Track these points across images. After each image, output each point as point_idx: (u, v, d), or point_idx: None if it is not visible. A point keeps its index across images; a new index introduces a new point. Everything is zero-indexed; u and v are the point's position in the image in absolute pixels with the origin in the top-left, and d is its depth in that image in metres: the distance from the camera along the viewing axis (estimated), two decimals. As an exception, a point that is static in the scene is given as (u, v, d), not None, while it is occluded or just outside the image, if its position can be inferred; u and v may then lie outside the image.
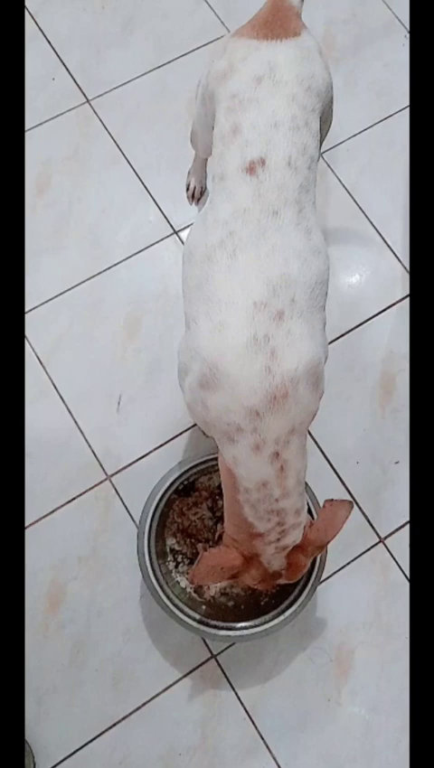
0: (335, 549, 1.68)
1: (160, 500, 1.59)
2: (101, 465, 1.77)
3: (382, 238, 2.03)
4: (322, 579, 1.62)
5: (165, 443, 1.80)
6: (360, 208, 2.05)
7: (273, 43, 1.30)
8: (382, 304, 1.97)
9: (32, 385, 1.82)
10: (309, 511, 1.57)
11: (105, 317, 1.91)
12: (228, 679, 1.64)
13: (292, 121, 1.24)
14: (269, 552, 1.26)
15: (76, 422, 1.80)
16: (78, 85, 2.12)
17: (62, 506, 1.74)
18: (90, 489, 1.75)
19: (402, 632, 1.69)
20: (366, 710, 1.64)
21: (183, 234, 1.98)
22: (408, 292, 1.98)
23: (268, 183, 1.21)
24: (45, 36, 2.16)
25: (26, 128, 2.05)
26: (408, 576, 1.73)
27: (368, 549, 1.75)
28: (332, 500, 1.32)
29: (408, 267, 2.00)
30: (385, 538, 1.76)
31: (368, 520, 1.77)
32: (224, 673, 1.64)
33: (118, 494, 1.75)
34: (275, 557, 1.28)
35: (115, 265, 1.95)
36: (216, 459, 1.56)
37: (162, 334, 1.89)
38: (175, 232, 1.99)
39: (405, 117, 2.15)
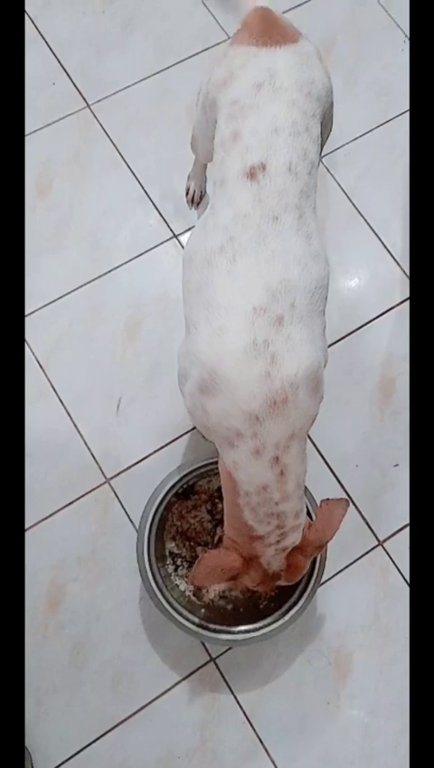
0: (334, 552, 1.68)
1: (159, 503, 1.60)
2: (100, 468, 1.77)
3: (382, 242, 2.03)
4: (321, 582, 1.63)
5: (165, 446, 1.80)
6: (359, 212, 2.06)
7: (272, 50, 1.31)
8: (382, 307, 1.97)
9: (31, 387, 1.83)
10: (308, 514, 1.57)
11: (105, 320, 1.91)
12: (227, 683, 1.64)
13: (292, 126, 1.25)
14: (269, 554, 1.27)
15: (75, 424, 1.81)
16: (78, 89, 2.12)
17: (62, 508, 1.74)
18: (90, 492, 1.75)
19: (401, 635, 1.70)
20: (365, 713, 1.64)
21: (183, 238, 1.99)
22: (407, 295, 1.98)
23: (269, 189, 1.21)
24: (45, 40, 2.17)
25: (27, 132, 2.06)
26: (407, 579, 1.74)
27: (367, 552, 1.75)
28: (328, 499, 1.32)
29: (407, 271, 2.01)
30: (384, 541, 1.77)
31: (367, 523, 1.78)
32: (223, 676, 1.64)
33: (118, 497, 1.75)
34: (275, 559, 1.28)
35: (115, 268, 1.96)
36: (215, 462, 1.56)
37: (162, 338, 1.90)
38: (175, 236, 1.99)
39: (404, 120, 2.15)
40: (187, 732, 1.60)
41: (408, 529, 1.78)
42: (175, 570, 1.64)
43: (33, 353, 1.86)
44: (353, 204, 2.07)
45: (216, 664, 1.65)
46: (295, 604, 1.54)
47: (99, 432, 1.81)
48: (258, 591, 1.56)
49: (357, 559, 1.74)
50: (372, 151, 2.12)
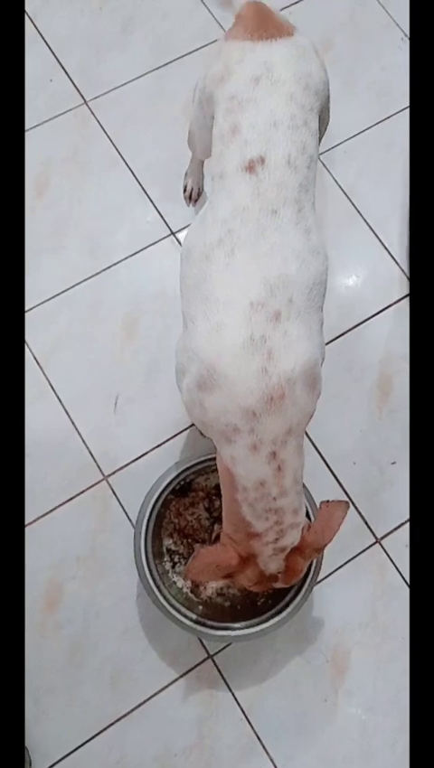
0: (332, 550, 1.66)
1: (157, 500, 1.59)
2: (98, 465, 1.77)
3: (380, 240, 2.03)
4: (318, 580, 1.63)
5: (163, 443, 1.80)
6: (357, 209, 2.06)
7: (268, 44, 1.31)
8: (380, 305, 1.97)
9: (29, 385, 1.82)
10: (307, 515, 1.57)
11: (103, 318, 1.91)
12: (224, 680, 1.64)
13: (291, 120, 1.25)
14: (267, 553, 1.26)
15: (73, 422, 1.80)
16: (75, 86, 2.12)
17: (60, 506, 1.74)
18: (88, 489, 1.75)
19: (399, 632, 1.70)
20: (363, 710, 1.64)
21: (181, 235, 1.99)
22: (405, 293, 1.98)
23: (268, 182, 1.21)
24: (43, 38, 2.16)
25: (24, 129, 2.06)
26: (404, 576, 1.74)
27: (365, 550, 1.75)
28: (328, 501, 1.32)
29: (405, 269, 2.01)
30: (382, 538, 1.76)
31: (365, 521, 1.78)
32: (221, 673, 1.64)
33: (115, 495, 1.75)
34: (272, 560, 1.27)
35: (113, 265, 1.95)
36: (213, 459, 1.56)
37: (160, 335, 1.90)
38: (173, 233, 1.99)
39: (402, 118, 2.15)
40: (185, 729, 1.60)
41: (405, 526, 1.78)
42: (173, 567, 1.64)
43: (31, 351, 1.86)
44: (352, 202, 2.07)
45: (214, 661, 1.65)
46: (292, 600, 1.54)
47: (97, 429, 1.81)
48: (253, 590, 1.56)
49: (355, 557, 1.74)
50: (371, 148, 2.12)
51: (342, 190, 2.08)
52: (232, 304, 1.17)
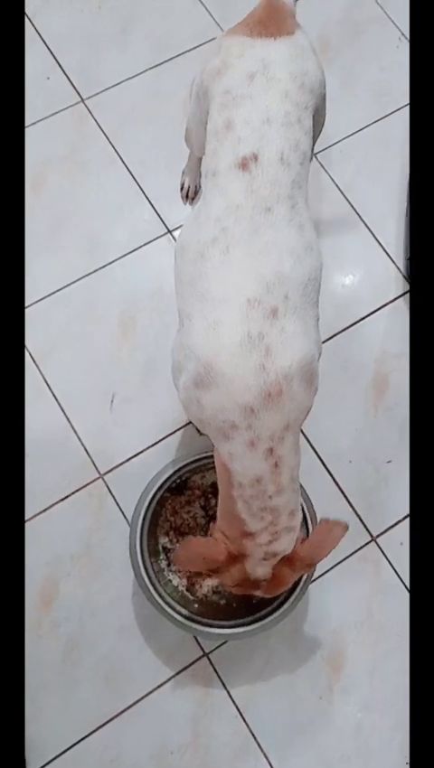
0: (328, 548, 1.68)
1: (152, 498, 1.59)
2: (94, 464, 1.77)
3: (376, 239, 2.03)
4: (314, 578, 1.63)
5: (159, 441, 1.80)
6: (354, 208, 2.06)
7: (267, 41, 1.31)
8: (376, 303, 1.97)
9: (25, 383, 1.82)
10: (304, 517, 1.57)
11: (100, 316, 1.91)
12: (220, 678, 1.64)
13: (285, 117, 1.25)
14: (257, 556, 1.25)
15: (69, 420, 1.80)
16: (72, 84, 2.12)
17: (56, 504, 1.74)
18: (84, 487, 1.75)
19: (394, 630, 1.70)
20: (358, 709, 1.64)
21: (178, 233, 1.99)
22: (401, 292, 1.99)
23: (261, 179, 1.21)
24: (41, 37, 2.16)
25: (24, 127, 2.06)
26: (400, 574, 1.74)
27: (360, 548, 1.75)
28: (328, 519, 1.31)
29: (401, 268, 2.01)
30: (377, 536, 1.77)
31: (360, 519, 1.78)
32: (216, 671, 1.64)
33: (111, 493, 1.75)
34: (261, 564, 1.26)
35: (110, 263, 1.95)
36: (209, 457, 1.56)
37: (157, 333, 1.90)
38: (170, 231, 1.99)
39: (400, 117, 2.16)
40: (180, 727, 1.60)
41: (401, 524, 1.78)
42: (168, 565, 1.64)
43: (27, 349, 1.86)
44: (348, 201, 2.07)
45: (209, 659, 1.65)
46: (287, 598, 1.54)
47: (93, 427, 1.81)
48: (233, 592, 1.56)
49: (350, 555, 1.75)
50: (368, 147, 2.13)
51: (339, 189, 2.08)
52: (229, 301, 1.17)
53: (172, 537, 1.65)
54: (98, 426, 1.81)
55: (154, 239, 1.98)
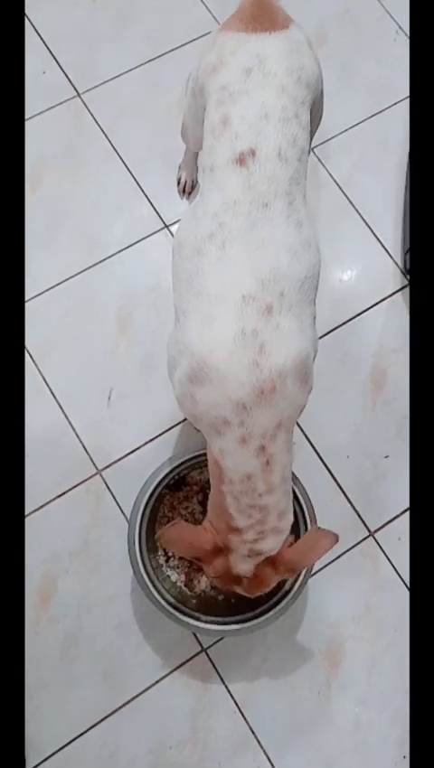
0: (326, 543, 1.68)
1: (151, 494, 1.59)
2: (92, 460, 1.77)
3: (374, 234, 2.03)
4: (312, 573, 1.63)
5: (156, 437, 1.80)
6: (351, 203, 2.06)
7: (262, 36, 1.30)
8: (374, 298, 1.97)
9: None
10: (302, 512, 1.57)
11: (97, 312, 1.90)
12: (218, 673, 1.64)
13: (282, 112, 1.24)
14: (241, 552, 1.25)
15: (67, 416, 1.80)
16: (68, 78, 2.11)
17: (53, 500, 1.74)
18: (81, 483, 1.75)
19: (392, 625, 1.70)
20: (356, 704, 1.64)
21: (175, 228, 1.98)
22: (399, 286, 1.98)
23: (259, 175, 1.21)
24: (37, 31, 2.15)
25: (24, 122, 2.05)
26: (398, 569, 1.74)
27: (358, 543, 1.75)
28: (320, 528, 1.31)
29: (399, 262, 2.00)
30: (375, 531, 1.77)
31: (358, 514, 1.78)
32: (214, 667, 1.64)
33: (109, 489, 1.75)
34: (245, 561, 1.26)
35: (107, 259, 1.95)
36: (206, 454, 1.56)
37: (154, 329, 1.89)
38: (167, 226, 1.99)
39: (397, 111, 2.15)
40: (178, 722, 1.60)
41: (399, 519, 1.78)
42: (167, 562, 1.63)
43: (25, 345, 1.85)
44: (346, 195, 2.06)
45: (207, 655, 1.65)
46: (286, 594, 1.54)
47: (91, 423, 1.80)
48: (214, 584, 1.56)
49: (348, 550, 1.74)
50: (365, 142, 2.12)
51: (336, 183, 2.07)
52: (224, 297, 1.17)
53: (170, 533, 1.65)
54: (95, 422, 1.80)
55: (151, 234, 1.98)
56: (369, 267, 2.01)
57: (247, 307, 1.15)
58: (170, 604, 1.54)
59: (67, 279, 1.92)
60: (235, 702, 1.62)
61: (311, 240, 1.26)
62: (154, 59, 2.15)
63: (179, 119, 1.73)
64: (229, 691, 1.63)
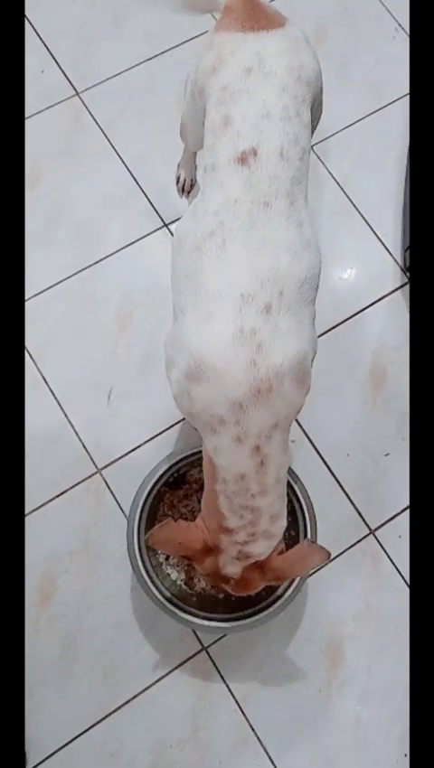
0: (326, 541, 1.66)
1: (150, 492, 1.59)
2: (92, 458, 1.77)
3: (374, 232, 2.03)
4: (312, 571, 1.63)
5: (156, 435, 1.80)
6: (351, 201, 2.05)
7: (260, 35, 1.30)
8: (374, 296, 1.97)
9: (22, 378, 1.82)
10: (302, 510, 1.57)
11: (96, 310, 1.90)
12: (219, 671, 1.64)
13: (283, 111, 1.24)
14: (231, 553, 1.25)
15: (66, 415, 1.80)
16: (67, 77, 2.11)
17: (53, 499, 1.74)
18: (81, 482, 1.75)
19: (393, 623, 1.70)
20: (357, 702, 1.64)
21: (174, 227, 1.97)
22: (399, 284, 1.98)
23: (260, 174, 1.20)
24: (35, 30, 2.15)
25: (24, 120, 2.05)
26: (398, 567, 1.74)
27: (359, 541, 1.75)
28: (313, 541, 1.31)
29: (399, 260, 2.00)
30: (376, 529, 1.77)
31: (358, 512, 1.78)
32: (215, 665, 1.64)
33: (109, 487, 1.75)
34: (233, 562, 1.26)
35: (106, 257, 1.95)
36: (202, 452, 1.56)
37: (153, 327, 1.89)
38: (165, 225, 1.99)
39: (396, 109, 2.15)
40: (179, 721, 1.60)
41: (399, 517, 1.78)
42: (167, 559, 1.63)
43: (24, 344, 1.85)
44: (346, 193, 2.06)
45: (208, 653, 1.65)
46: (286, 592, 1.54)
47: (91, 422, 1.80)
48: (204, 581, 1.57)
49: (349, 548, 1.74)
50: (365, 139, 2.12)
51: (336, 181, 2.07)
52: (222, 295, 1.16)
53: (170, 531, 1.65)
54: (95, 420, 1.80)
55: (150, 233, 1.98)
56: (369, 265, 2.00)
57: (246, 306, 1.15)
58: (170, 601, 1.54)
59: (66, 278, 1.92)
60: (236, 700, 1.62)
61: (312, 241, 1.25)
62: (152, 57, 2.15)
63: (178, 118, 1.73)
64: (229, 690, 1.63)
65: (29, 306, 1.89)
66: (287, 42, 1.31)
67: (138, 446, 1.79)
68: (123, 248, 1.96)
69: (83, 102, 2.09)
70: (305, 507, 1.57)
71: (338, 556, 1.73)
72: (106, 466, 1.77)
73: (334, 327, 1.92)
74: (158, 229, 1.98)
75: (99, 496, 1.74)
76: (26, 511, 1.72)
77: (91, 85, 2.11)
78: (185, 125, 1.65)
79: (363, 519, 1.77)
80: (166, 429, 1.80)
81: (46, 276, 1.92)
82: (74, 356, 1.86)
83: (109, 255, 1.95)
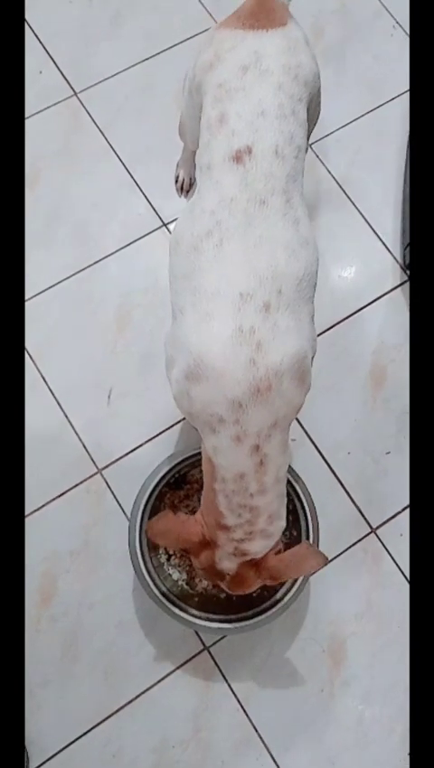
0: (327, 540, 1.68)
1: (151, 493, 1.59)
2: (92, 459, 1.77)
3: (373, 230, 2.03)
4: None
5: (156, 435, 1.80)
6: (350, 199, 2.05)
7: (259, 33, 1.30)
8: (373, 294, 1.96)
9: (22, 379, 1.82)
10: (303, 509, 1.56)
11: (95, 310, 1.90)
12: (221, 671, 1.64)
13: (279, 109, 1.24)
14: (227, 549, 1.25)
15: (66, 416, 1.80)
16: (65, 78, 2.11)
17: (54, 500, 1.73)
18: (82, 482, 1.75)
19: (394, 621, 1.70)
20: (359, 700, 1.64)
21: (173, 227, 1.98)
22: (398, 282, 1.98)
23: (255, 172, 1.20)
24: (33, 30, 2.15)
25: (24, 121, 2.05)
26: (400, 565, 1.74)
27: (360, 540, 1.75)
28: (311, 546, 1.30)
29: (398, 258, 2.00)
30: (377, 528, 1.76)
31: (360, 511, 1.77)
32: (217, 665, 1.64)
33: (110, 488, 1.75)
34: (229, 558, 1.26)
35: (105, 257, 1.95)
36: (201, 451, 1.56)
37: (152, 327, 1.89)
38: (165, 224, 1.98)
39: (395, 107, 2.14)
40: (181, 721, 1.60)
41: (401, 515, 1.77)
42: (168, 560, 1.63)
43: (24, 345, 1.85)
44: (344, 191, 2.06)
45: (210, 653, 1.65)
46: (288, 591, 1.54)
47: (91, 423, 1.80)
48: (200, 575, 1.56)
49: (350, 547, 1.74)
50: (363, 137, 2.11)
51: (334, 179, 2.07)
52: (221, 294, 1.16)
53: (171, 531, 1.65)
54: (95, 421, 1.80)
55: (149, 233, 1.97)
56: (368, 263, 2.00)
57: (244, 305, 1.15)
58: (171, 601, 1.53)
59: (65, 279, 1.92)
60: (238, 700, 1.62)
61: (309, 238, 1.25)
62: (151, 57, 2.14)
63: (176, 117, 1.73)
64: (231, 689, 1.63)
65: (29, 306, 1.89)
66: (286, 41, 1.30)
67: (139, 446, 1.78)
68: (122, 247, 1.96)
69: (81, 102, 2.09)
70: (306, 506, 1.57)
71: (339, 554, 1.73)
72: (106, 466, 1.76)
73: (333, 325, 1.92)
74: (157, 229, 1.98)
75: (100, 496, 1.74)
76: (27, 512, 1.72)
77: (90, 85, 2.10)
78: (184, 123, 1.65)
79: (364, 518, 1.77)
80: (167, 429, 1.80)
81: (46, 277, 1.92)
82: (74, 356, 1.86)
83: (109, 255, 1.95)
